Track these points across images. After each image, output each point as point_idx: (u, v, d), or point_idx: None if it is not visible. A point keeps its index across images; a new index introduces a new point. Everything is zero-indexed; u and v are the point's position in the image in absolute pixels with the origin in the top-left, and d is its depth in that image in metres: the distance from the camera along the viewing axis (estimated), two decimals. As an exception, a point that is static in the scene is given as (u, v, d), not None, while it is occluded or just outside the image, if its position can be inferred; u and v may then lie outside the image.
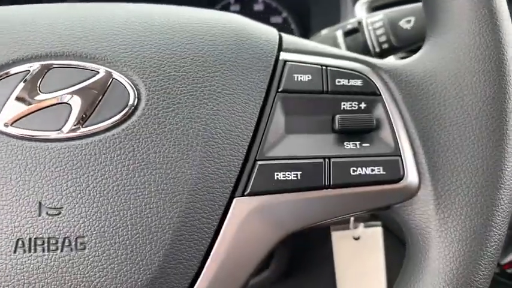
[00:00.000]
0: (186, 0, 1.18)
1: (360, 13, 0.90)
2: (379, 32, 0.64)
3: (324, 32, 0.68)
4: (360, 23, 0.65)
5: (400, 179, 0.42)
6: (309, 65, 0.45)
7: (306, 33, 1.06)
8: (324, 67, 0.45)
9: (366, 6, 0.90)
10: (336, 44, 0.66)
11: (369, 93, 0.44)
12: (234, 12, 1.10)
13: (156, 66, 0.41)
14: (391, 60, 0.48)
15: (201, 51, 0.43)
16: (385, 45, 0.64)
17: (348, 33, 0.66)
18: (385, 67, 0.46)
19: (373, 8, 0.91)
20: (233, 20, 0.46)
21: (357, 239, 0.70)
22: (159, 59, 0.42)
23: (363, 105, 0.44)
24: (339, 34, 0.66)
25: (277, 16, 1.09)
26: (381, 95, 0.44)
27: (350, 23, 0.66)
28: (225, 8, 1.09)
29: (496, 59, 0.43)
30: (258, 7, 1.09)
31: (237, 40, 0.44)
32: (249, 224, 0.41)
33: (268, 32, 0.47)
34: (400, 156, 0.43)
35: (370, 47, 0.64)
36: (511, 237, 0.82)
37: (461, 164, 0.42)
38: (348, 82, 0.45)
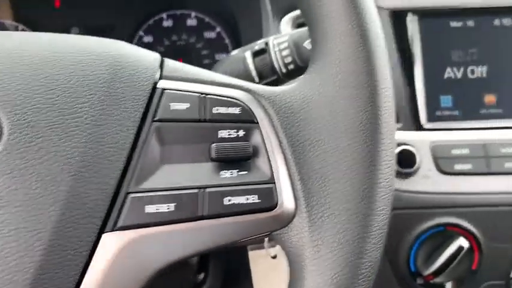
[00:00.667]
0: (119, 15, 1.17)
1: (285, 29, 0.90)
2: (284, 53, 0.64)
3: (234, 52, 0.68)
4: (267, 43, 0.65)
5: (275, 206, 0.42)
6: (188, 93, 0.44)
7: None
8: (202, 95, 0.44)
9: (291, 22, 0.91)
10: (245, 65, 0.66)
11: (247, 120, 0.44)
12: (167, 28, 1.09)
13: (21, 99, 0.40)
14: (272, 87, 0.48)
15: (70, 81, 0.42)
16: (291, 66, 0.64)
17: (256, 54, 0.66)
18: (265, 94, 0.46)
19: (299, 25, 0.92)
20: (111, 48, 0.46)
21: (274, 257, 0.70)
22: (25, 92, 0.41)
23: (240, 133, 0.44)
24: (248, 55, 0.66)
25: (210, 31, 1.09)
26: (258, 122, 0.44)
27: (258, 44, 0.66)
28: (158, 23, 1.08)
29: (369, 86, 0.43)
30: (191, 22, 1.09)
31: (111, 69, 0.43)
32: (119, 260, 0.40)
33: (148, 60, 0.46)
34: (275, 183, 0.43)
35: (277, 68, 0.64)
36: (434, 248, 0.84)
37: (334, 191, 0.42)
38: (227, 110, 0.44)
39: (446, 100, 0.90)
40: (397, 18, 0.90)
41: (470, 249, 0.83)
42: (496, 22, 0.92)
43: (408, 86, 0.88)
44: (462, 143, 0.84)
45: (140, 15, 1.07)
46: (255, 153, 0.44)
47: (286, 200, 0.43)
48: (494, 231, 0.84)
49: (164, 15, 1.07)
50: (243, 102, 0.45)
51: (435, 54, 0.90)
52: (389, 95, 0.45)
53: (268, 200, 0.42)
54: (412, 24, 0.90)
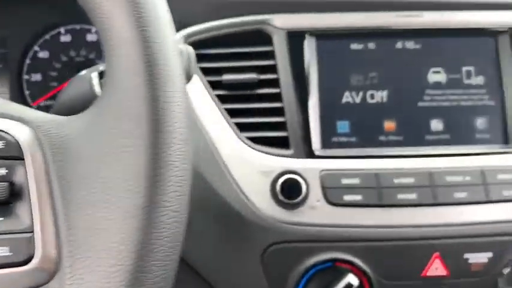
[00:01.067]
0: (11, 27, 1.10)
1: (175, 48, 0.85)
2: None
3: (83, 72, 0.63)
4: (112, 64, 0.60)
5: (29, 260, 0.36)
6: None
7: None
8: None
9: (183, 40, 0.86)
10: (90, 85, 0.60)
11: (10, 157, 0.38)
12: (65, 43, 1.03)
13: None
14: (55, 116, 0.42)
15: None
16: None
17: (102, 75, 0.60)
18: (43, 124, 0.40)
19: (192, 43, 0.86)
20: None
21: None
22: None
23: (2, 171, 0.38)
24: (94, 75, 0.60)
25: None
26: (24, 158, 0.38)
27: (103, 64, 0.60)
28: (55, 38, 1.02)
29: (151, 130, 0.38)
30: (91, 37, 1.03)
31: None
32: None
33: None
34: (33, 232, 0.37)
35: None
36: (322, 286, 0.78)
37: (98, 244, 0.36)
38: (-7, 144, 0.38)
39: (343, 126, 0.85)
40: (294, 39, 0.85)
41: (360, 287, 0.77)
42: (398, 45, 0.88)
43: (302, 111, 0.83)
44: (354, 172, 0.79)
45: (36, 28, 1.01)
46: (17, 195, 0.38)
47: (46, 252, 0.36)
48: (387, 267, 0.79)
49: (62, 30, 1.01)
50: (10, 134, 0.39)
51: (333, 78, 0.86)
52: (176, 138, 0.39)
53: (22, 252, 0.36)
54: (310, 46, 0.86)
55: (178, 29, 0.86)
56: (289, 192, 0.77)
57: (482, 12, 0.88)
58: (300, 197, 0.76)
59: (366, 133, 0.85)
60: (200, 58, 0.86)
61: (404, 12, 0.87)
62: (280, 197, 0.77)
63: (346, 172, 0.79)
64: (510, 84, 0.86)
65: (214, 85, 0.85)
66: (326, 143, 0.84)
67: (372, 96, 0.86)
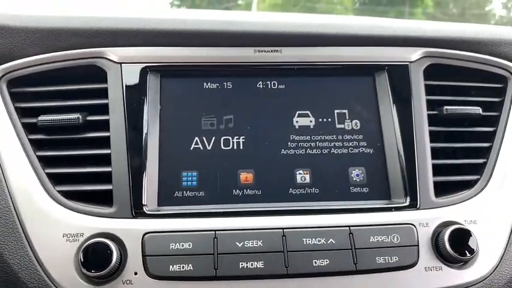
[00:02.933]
0: None
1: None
2: None
3: None
4: None
5: None
6: None
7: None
8: None
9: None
10: None
11: None
12: None
13: None
14: None
15: None
16: None
17: None
18: None
19: (8, 81, 0.72)
20: None
21: None
22: None
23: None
24: None
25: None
26: None
27: None
28: None
29: None
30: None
31: None
32: None
33: None
34: None
35: None
36: None
37: None
38: None
39: (190, 178, 0.70)
40: (133, 75, 0.72)
41: None
42: (259, 84, 0.75)
43: (135, 160, 0.67)
44: (187, 234, 0.63)
45: None
46: None
47: None
48: None
49: None
50: None
51: (179, 121, 0.71)
52: None
53: None
54: (152, 84, 0.72)
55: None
56: (97, 261, 0.59)
57: (355, 48, 0.76)
58: (108, 269, 0.58)
59: (217, 186, 0.69)
60: (17, 97, 0.72)
61: (263, 48, 0.75)
62: (83, 270, 0.59)
63: (177, 235, 0.62)
64: (389, 128, 0.73)
65: (30, 128, 0.70)
66: (166, 199, 0.68)
67: (227, 143, 0.72)
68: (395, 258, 0.64)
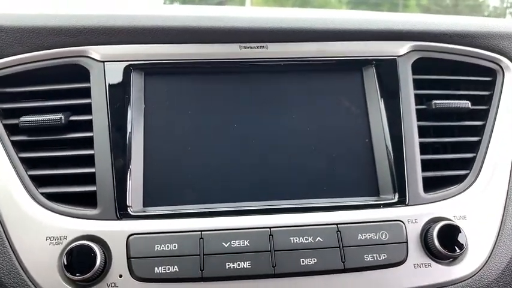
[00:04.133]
0: None
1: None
2: None
3: None
4: None
5: None
6: None
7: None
8: None
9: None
10: None
11: None
12: None
13: None
14: None
15: None
16: None
17: None
18: None
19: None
20: None
21: None
22: None
23: None
24: None
25: None
26: None
27: None
28: None
29: None
30: None
31: None
32: None
33: None
34: None
35: None
36: None
37: None
38: None
39: (175, 177, 0.68)
40: (116, 74, 0.70)
41: None
42: (246, 83, 0.74)
43: (119, 160, 0.66)
44: (173, 235, 0.61)
45: None
46: None
47: None
48: None
49: None
50: None
51: (165, 120, 0.70)
52: None
53: None
54: (136, 83, 0.71)
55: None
56: (80, 264, 0.58)
57: (342, 43, 0.75)
58: (92, 272, 0.57)
59: (203, 186, 0.68)
60: (-1, 98, 0.71)
61: (249, 44, 0.73)
62: (67, 273, 0.58)
63: (162, 236, 0.61)
64: (377, 124, 0.72)
65: (12, 130, 0.69)
66: (151, 200, 0.67)
67: (212, 141, 0.71)
68: (384, 255, 0.63)
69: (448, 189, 0.70)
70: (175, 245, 0.61)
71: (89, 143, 0.67)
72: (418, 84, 0.75)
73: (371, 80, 0.74)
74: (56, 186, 0.66)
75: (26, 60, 0.71)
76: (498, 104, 0.76)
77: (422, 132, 0.73)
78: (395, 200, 0.68)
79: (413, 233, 0.65)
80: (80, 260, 0.58)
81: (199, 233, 0.62)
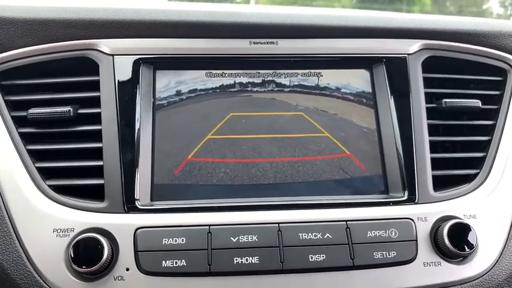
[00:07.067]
0: None
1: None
2: None
3: None
4: None
5: None
6: None
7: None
8: None
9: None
10: None
11: None
12: None
13: None
14: None
15: None
16: None
17: None
18: None
19: None
20: None
21: None
22: None
23: None
24: None
25: None
26: None
27: None
28: None
29: None
30: None
31: None
32: None
33: None
34: None
35: None
36: None
37: None
38: None
39: (184, 171, 0.68)
40: (126, 68, 0.70)
41: None
42: (256, 79, 0.74)
43: (127, 154, 0.66)
44: (181, 229, 0.61)
45: None
46: None
47: None
48: None
49: None
50: None
51: (178, 113, 0.70)
52: None
53: None
54: (146, 77, 0.70)
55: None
56: (87, 257, 0.58)
57: (352, 40, 0.75)
58: (99, 265, 0.57)
59: (212, 180, 0.68)
60: (7, 90, 0.70)
61: (259, 39, 0.73)
62: (74, 265, 0.57)
63: (170, 230, 0.61)
64: (387, 122, 0.71)
65: (20, 122, 0.68)
66: (159, 193, 0.66)
67: (221, 136, 0.70)
68: (393, 253, 0.62)
69: (458, 188, 0.69)
70: (183, 239, 0.60)
71: (97, 136, 0.67)
72: (428, 83, 0.75)
73: (381, 77, 0.74)
74: (63, 178, 0.66)
75: (36, 53, 0.71)
76: (509, 103, 0.75)
77: (432, 130, 0.72)
78: (405, 198, 0.67)
79: (423, 231, 0.64)
80: (86, 252, 0.58)
81: (208, 227, 0.61)
